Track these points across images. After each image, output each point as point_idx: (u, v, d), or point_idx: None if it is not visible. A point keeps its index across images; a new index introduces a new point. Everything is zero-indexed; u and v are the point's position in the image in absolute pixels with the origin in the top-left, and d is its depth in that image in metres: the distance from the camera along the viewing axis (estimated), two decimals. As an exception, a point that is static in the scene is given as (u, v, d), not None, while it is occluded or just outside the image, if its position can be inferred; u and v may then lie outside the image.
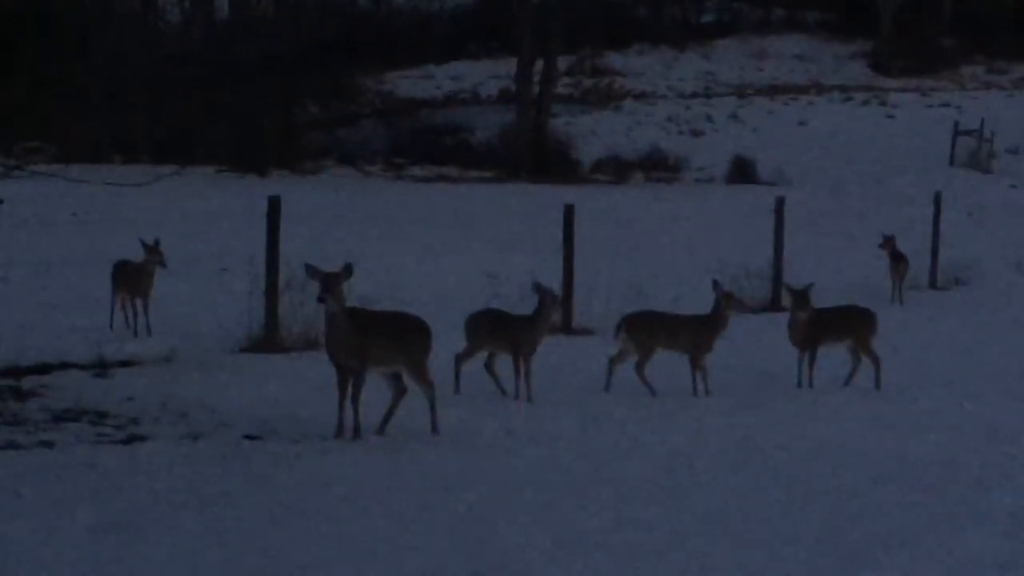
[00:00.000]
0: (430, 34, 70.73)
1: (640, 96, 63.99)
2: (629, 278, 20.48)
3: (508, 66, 55.61)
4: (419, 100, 60.70)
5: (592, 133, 54.01)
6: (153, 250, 16.80)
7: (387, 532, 8.65)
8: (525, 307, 14.17)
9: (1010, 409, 13.65)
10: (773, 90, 65.30)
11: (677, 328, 14.06)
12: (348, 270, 11.05)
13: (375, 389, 11.53)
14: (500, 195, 40.86)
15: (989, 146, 50.87)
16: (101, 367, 13.94)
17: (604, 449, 11.31)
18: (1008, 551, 8.53)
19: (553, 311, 13.81)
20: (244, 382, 13.63)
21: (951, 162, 50.10)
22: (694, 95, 64.72)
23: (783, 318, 15.40)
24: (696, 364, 13.92)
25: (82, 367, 14.02)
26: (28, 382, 13.24)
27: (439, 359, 12.36)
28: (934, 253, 25.29)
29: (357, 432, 11.19)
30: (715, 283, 14.21)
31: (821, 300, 15.31)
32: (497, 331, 13.55)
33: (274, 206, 15.87)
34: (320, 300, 11.13)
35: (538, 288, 13.45)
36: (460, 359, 13.58)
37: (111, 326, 16.82)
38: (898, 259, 22.86)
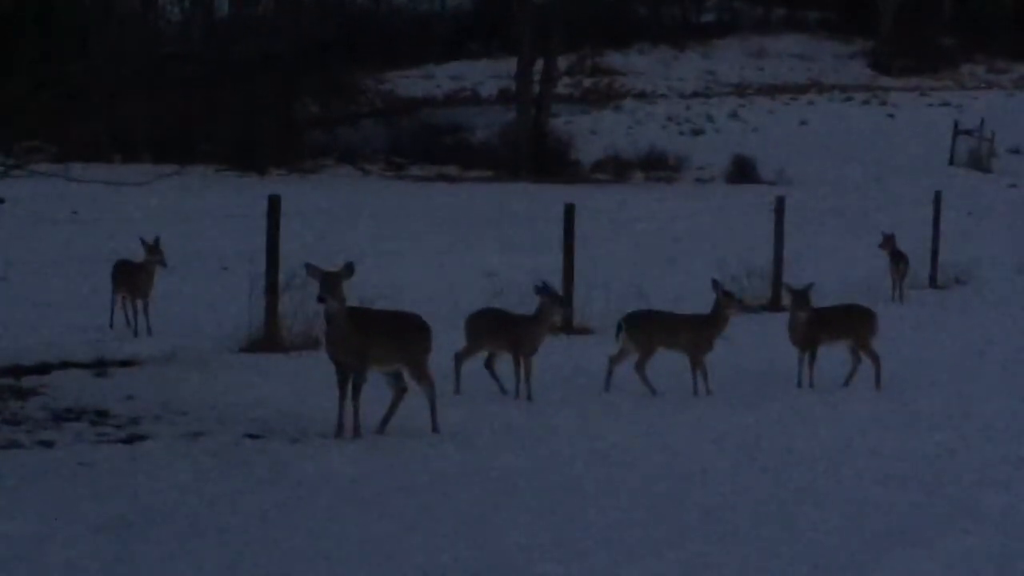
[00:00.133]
0: (430, 33, 70.81)
1: (640, 95, 64.04)
2: (629, 277, 20.49)
3: (508, 66, 55.64)
4: (419, 99, 60.74)
5: (592, 132, 54.06)
6: (153, 249, 16.79)
7: (387, 531, 8.65)
8: (525, 307, 14.17)
9: (1010, 408, 13.65)
10: (773, 89, 65.37)
11: (677, 327, 14.05)
12: (349, 269, 11.05)
13: (375, 388, 11.53)
14: (500, 195, 40.87)
15: (989, 145, 50.90)
16: (101, 366, 13.94)
17: (604, 448, 11.31)
18: (1007, 551, 8.53)
19: (554, 314, 13.78)
20: (244, 381, 13.63)
21: (951, 161, 50.13)
22: (694, 94, 64.77)
23: (783, 318, 15.39)
24: (696, 364, 13.92)
25: (82, 366, 14.02)
26: (28, 381, 13.24)
27: (439, 358, 12.36)
28: (934, 252, 25.28)
29: (357, 431, 11.19)
30: (715, 282, 14.21)
31: (821, 299, 15.31)
32: (497, 331, 13.55)
33: (274, 205, 15.86)
34: (320, 300, 11.13)
35: (540, 290, 13.44)
36: (460, 358, 13.58)
37: (111, 325, 16.82)
38: (898, 258, 22.85)
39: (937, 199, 26.00)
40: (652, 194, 42.79)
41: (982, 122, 51.03)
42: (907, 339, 17.58)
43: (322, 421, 11.50)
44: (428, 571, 7.92)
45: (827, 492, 9.95)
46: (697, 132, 56.20)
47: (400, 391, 11.55)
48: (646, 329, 13.90)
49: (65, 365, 14.11)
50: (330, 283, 10.95)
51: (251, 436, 11.26)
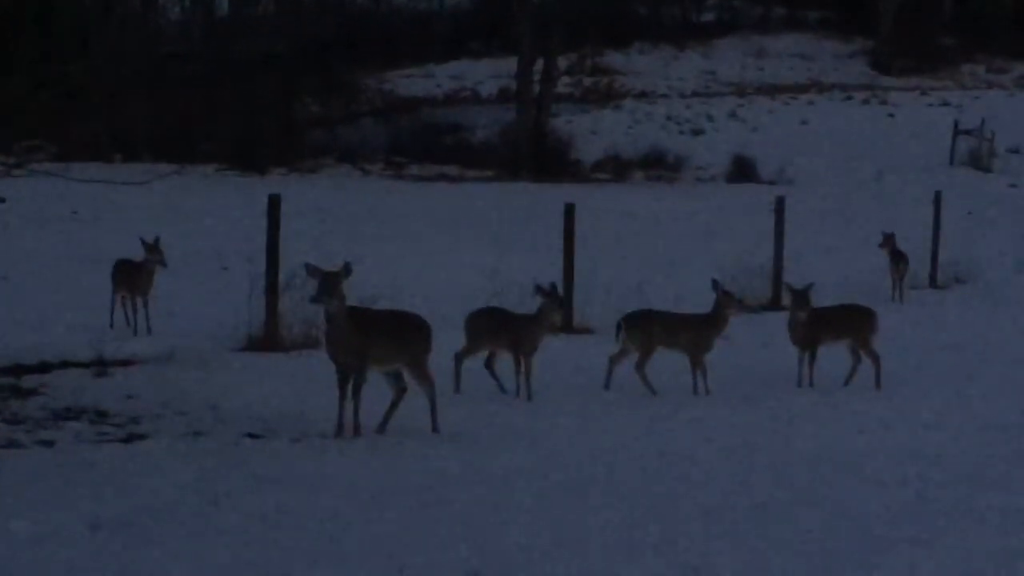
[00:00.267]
0: (430, 33, 70.77)
1: (640, 95, 63.99)
2: (629, 277, 20.49)
3: (508, 65, 55.62)
4: (419, 99, 60.68)
5: (592, 132, 54.02)
6: (153, 249, 16.80)
7: (387, 531, 8.65)
8: (525, 307, 14.17)
9: (1010, 408, 13.65)
10: (773, 89, 65.30)
11: (677, 327, 14.06)
12: (347, 269, 11.05)
13: (375, 388, 11.54)
14: (500, 194, 40.85)
15: (989, 145, 50.86)
16: (101, 366, 13.94)
17: (604, 448, 11.32)
18: (1007, 550, 8.53)
19: (554, 315, 13.76)
20: (244, 381, 13.63)
21: (951, 161, 50.08)
22: (694, 94, 64.72)
23: (783, 317, 15.40)
24: (696, 363, 13.92)
25: (82, 366, 14.02)
26: (28, 381, 13.24)
27: (439, 358, 12.36)
28: (934, 252, 25.29)
29: (357, 431, 11.20)
30: (715, 283, 14.21)
31: (821, 299, 15.31)
32: (497, 330, 13.56)
33: (274, 204, 15.87)
34: (313, 301, 11.19)
35: (540, 291, 13.43)
36: (460, 358, 13.59)
37: (111, 325, 16.82)
38: (898, 258, 22.85)
39: (937, 199, 26.00)
40: (652, 194, 42.77)
41: (982, 122, 50.98)
42: (907, 339, 17.58)
43: (322, 421, 11.51)
44: (428, 570, 7.93)
45: (827, 492, 9.95)
46: (697, 132, 56.16)
47: (400, 391, 11.56)
48: (646, 329, 13.90)
49: (65, 364, 14.12)
50: (328, 284, 10.95)
51: (251, 436, 11.27)
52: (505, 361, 13.65)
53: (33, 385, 13.05)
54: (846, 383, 14.64)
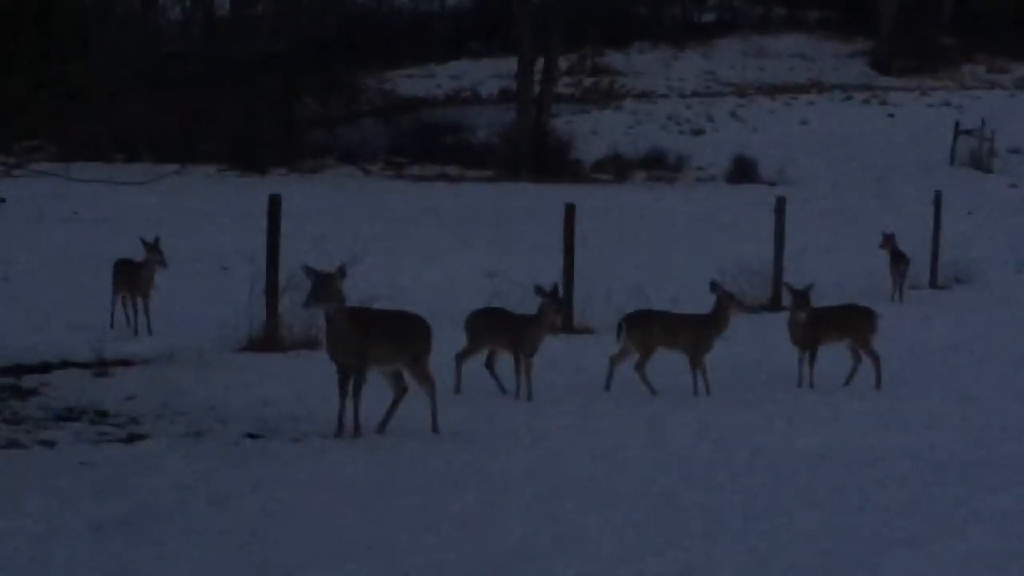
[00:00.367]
0: (431, 33, 70.77)
1: (641, 95, 64.00)
2: (630, 277, 20.48)
3: (509, 65, 55.65)
4: (420, 99, 60.70)
5: (593, 132, 54.04)
6: (153, 249, 16.79)
7: (387, 531, 8.65)
8: (526, 307, 14.17)
9: (1010, 408, 13.66)
10: (773, 89, 65.32)
11: (677, 327, 14.05)
12: (342, 271, 11.05)
13: (376, 388, 11.53)
14: (501, 194, 40.88)
15: (990, 145, 50.88)
16: (101, 366, 13.94)
17: (605, 448, 11.31)
18: (1007, 551, 8.53)
19: (554, 316, 13.71)
20: (244, 381, 13.63)
21: (952, 161, 50.12)
22: (695, 94, 64.73)
23: (784, 317, 15.39)
24: (696, 364, 13.92)
25: (82, 366, 14.02)
26: (28, 381, 13.24)
27: (440, 358, 12.36)
28: (934, 252, 25.28)
29: (358, 431, 11.20)
30: (714, 284, 14.20)
31: (822, 299, 15.31)
32: (498, 330, 13.55)
33: (274, 205, 15.86)
34: (305, 306, 11.26)
35: (540, 291, 13.42)
36: (461, 358, 13.58)
37: (111, 325, 16.81)
38: (898, 258, 22.84)
39: (937, 199, 25.99)
40: (652, 194, 42.80)
41: (982, 122, 51.02)
42: (907, 339, 17.58)
43: (322, 421, 11.51)
44: (428, 571, 7.93)
45: (827, 492, 9.95)
46: (697, 132, 56.18)
47: (400, 391, 11.56)
48: (646, 329, 13.90)
49: (65, 365, 14.12)
50: (319, 288, 10.96)
51: (251, 436, 11.27)
52: (505, 361, 13.64)
53: (33, 385, 13.04)
54: (846, 383, 14.63)
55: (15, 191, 29.37)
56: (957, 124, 51.57)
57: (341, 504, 9.28)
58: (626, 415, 12.74)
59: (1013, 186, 45.97)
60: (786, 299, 16.24)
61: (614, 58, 70.42)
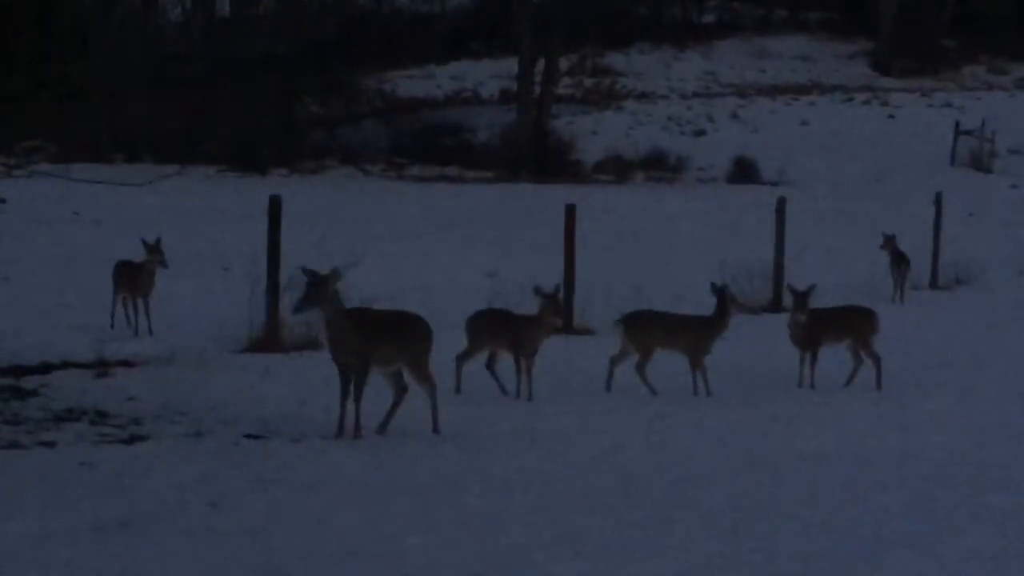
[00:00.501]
0: (431, 33, 70.74)
1: (641, 96, 63.98)
2: (630, 278, 20.49)
3: (509, 66, 55.62)
4: (420, 100, 60.68)
5: (593, 133, 54.02)
6: (154, 250, 16.80)
7: (388, 532, 8.65)
8: (526, 307, 14.16)
9: (1011, 409, 13.66)
10: (774, 90, 65.31)
11: (676, 328, 14.05)
12: (335, 273, 11.05)
13: (376, 388, 11.53)
14: (501, 195, 40.88)
15: (990, 146, 50.88)
16: (102, 367, 13.94)
17: (605, 448, 11.31)
18: (1008, 552, 8.53)
19: (552, 318, 13.66)
20: (245, 382, 13.63)
21: (952, 162, 50.10)
22: (695, 95, 64.72)
23: (784, 318, 15.39)
24: (696, 365, 13.91)
25: (83, 367, 14.02)
26: (29, 381, 13.24)
27: (440, 359, 12.36)
28: (935, 253, 25.27)
29: (358, 432, 11.19)
30: (713, 285, 14.19)
31: (822, 300, 15.31)
32: (498, 330, 13.55)
33: (275, 205, 15.86)
34: (296, 311, 11.29)
35: (539, 293, 13.42)
36: (461, 359, 13.58)
37: (112, 326, 16.82)
38: (899, 259, 22.85)
39: (938, 200, 25.99)
40: (653, 194, 42.79)
41: (983, 123, 51.01)
42: (908, 340, 17.58)
43: (323, 422, 11.51)
44: (429, 571, 7.92)
45: (827, 492, 9.94)
46: (698, 133, 56.18)
47: (400, 391, 11.55)
48: (646, 330, 13.89)
49: (66, 365, 14.12)
50: (310, 293, 10.97)
51: (252, 436, 11.26)
52: (506, 362, 13.64)
53: (34, 386, 13.04)
54: (847, 384, 14.63)
55: (15, 192, 29.35)
56: (957, 125, 51.56)
57: (341, 505, 9.28)
58: (626, 415, 12.73)
59: (1014, 187, 45.95)
60: (787, 300, 16.23)
61: (615, 59, 70.41)
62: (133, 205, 29.16)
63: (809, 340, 14.48)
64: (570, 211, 18.53)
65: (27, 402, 12.34)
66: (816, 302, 14.64)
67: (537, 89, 50.86)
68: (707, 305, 14.32)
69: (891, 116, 58.95)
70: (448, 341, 13.27)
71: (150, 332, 16.60)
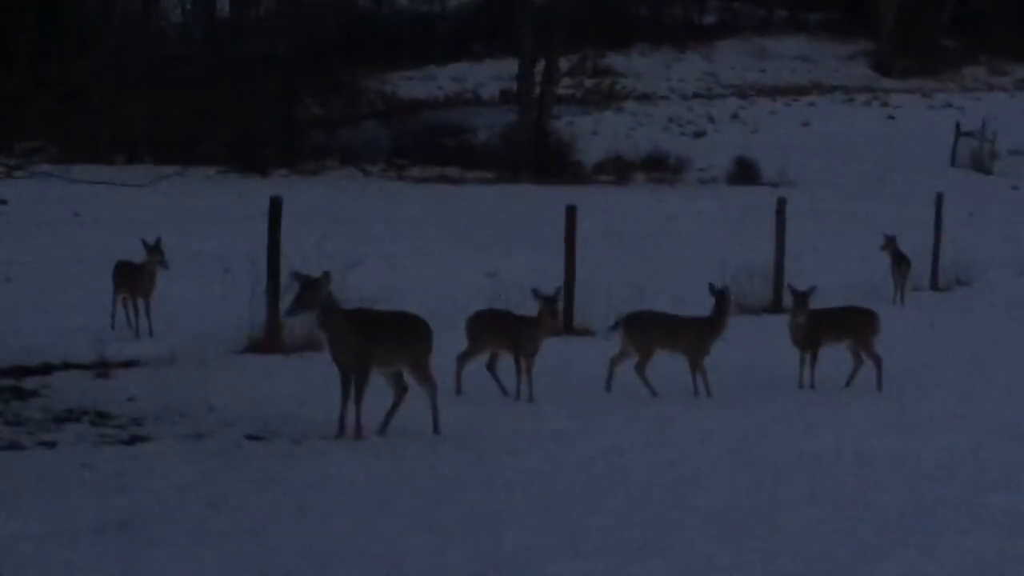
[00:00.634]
0: (432, 34, 70.77)
1: (642, 97, 64.01)
2: (630, 278, 20.47)
3: (510, 67, 55.66)
4: (421, 101, 60.72)
5: (593, 134, 54.03)
6: (154, 250, 16.79)
7: (388, 532, 8.65)
8: (526, 308, 14.15)
9: (1011, 409, 13.66)
10: (775, 91, 65.34)
11: (675, 329, 14.04)
12: (326, 277, 11.06)
13: (376, 389, 11.53)
14: (502, 196, 40.88)
15: (991, 147, 50.88)
16: (103, 367, 13.93)
17: (605, 449, 11.31)
18: (1008, 553, 8.53)
19: (548, 320, 13.62)
20: (246, 382, 13.63)
21: (953, 163, 50.11)
22: (695, 96, 64.76)
23: (784, 319, 15.39)
24: (695, 366, 13.90)
25: (84, 367, 14.01)
26: (30, 382, 13.23)
27: (441, 359, 12.35)
28: (935, 254, 25.25)
29: (359, 432, 11.19)
30: (711, 286, 14.17)
31: (823, 301, 15.30)
32: (499, 331, 13.54)
33: (276, 206, 15.85)
34: (287, 316, 11.31)
35: (537, 295, 13.41)
36: (462, 359, 13.57)
37: (112, 326, 16.81)
38: (899, 260, 22.84)
39: (938, 201, 25.97)
40: (653, 195, 42.79)
41: (983, 124, 51.01)
42: (908, 341, 17.57)
43: (323, 422, 11.50)
44: (430, 572, 7.93)
45: (828, 493, 9.94)
46: (698, 133, 56.19)
47: (401, 392, 11.55)
48: (645, 331, 13.89)
49: (66, 366, 14.11)
50: (302, 298, 10.99)
51: (252, 437, 11.26)
52: (506, 362, 13.63)
53: (34, 387, 13.04)
54: (847, 384, 14.62)
55: (16, 192, 29.34)
56: (958, 126, 51.56)
57: (342, 505, 9.28)
58: (626, 416, 12.73)
59: (1014, 188, 45.96)
60: (787, 301, 16.23)
61: (615, 59, 70.46)
62: (133, 206, 29.15)
63: (810, 341, 14.47)
64: (570, 212, 18.52)
65: (28, 403, 12.33)
66: (817, 303, 14.64)
67: (537, 90, 50.87)
68: (708, 306, 14.29)
69: (891, 117, 58.97)
70: (449, 342, 13.27)
71: (150, 333, 16.60)
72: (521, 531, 8.71)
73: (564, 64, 57.23)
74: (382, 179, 47.15)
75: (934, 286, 25.03)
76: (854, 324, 14.74)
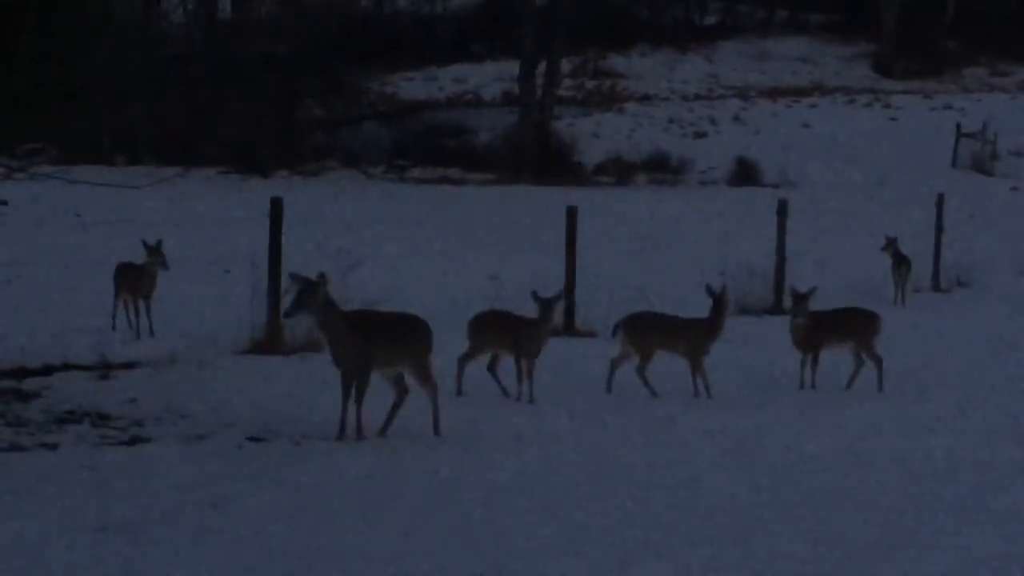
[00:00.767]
0: (433, 35, 70.75)
1: (643, 98, 63.97)
2: (632, 279, 20.48)
3: (511, 68, 55.63)
4: (422, 102, 60.69)
5: (594, 135, 54.00)
6: (155, 251, 16.79)
7: (389, 533, 8.65)
8: (528, 309, 14.15)
9: (1012, 410, 13.65)
10: (776, 92, 65.27)
11: (674, 331, 14.03)
12: (323, 279, 11.05)
13: (377, 390, 11.52)
14: (503, 197, 40.86)
15: (992, 148, 50.85)
16: (104, 369, 13.93)
17: (606, 450, 11.31)
18: (1009, 553, 8.52)
19: (545, 322, 13.58)
20: (247, 383, 13.63)
21: (954, 164, 50.07)
22: (697, 97, 64.71)
23: (785, 320, 15.39)
24: (695, 367, 13.90)
25: (85, 368, 14.01)
26: (31, 384, 13.23)
27: (442, 361, 12.35)
28: (936, 255, 25.24)
29: (360, 434, 11.19)
30: (708, 288, 14.17)
31: (824, 303, 15.30)
32: (501, 332, 13.54)
33: (276, 207, 15.85)
34: (287, 316, 11.31)
35: (536, 297, 13.40)
36: (463, 360, 13.57)
37: (114, 328, 16.81)
38: (900, 261, 22.83)
39: (940, 202, 25.96)
40: (655, 196, 42.77)
41: (984, 125, 50.98)
42: (909, 342, 17.56)
43: (324, 423, 11.50)
44: (430, 572, 7.92)
45: (828, 494, 9.95)
46: (700, 134, 56.16)
47: (402, 393, 11.55)
48: (645, 332, 13.88)
49: (67, 367, 14.10)
50: (300, 299, 10.99)
51: (253, 439, 11.26)
52: (507, 363, 13.62)
53: (35, 388, 13.04)
54: (848, 386, 14.61)
55: (17, 193, 29.36)
56: (959, 127, 51.53)
57: (343, 506, 9.29)
58: (627, 417, 12.73)
59: (1015, 189, 45.92)
60: (788, 302, 16.22)
61: (616, 61, 70.42)
62: (134, 207, 29.13)
63: (811, 342, 14.46)
64: (572, 213, 18.52)
65: (29, 404, 12.34)
66: (818, 304, 14.63)
67: (539, 91, 50.87)
68: (709, 307, 14.28)
69: (893, 118, 58.92)
70: (450, 343, 13.27)
71: (151, 334, 16.60)
72: (522, 531, 8.71)
73: (565, 65, 57.22)
74: (383, 180, 47.14)
75: (935, 287, 25.01)
76: (856, 326, 14.73)
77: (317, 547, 8.32)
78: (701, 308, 14.31)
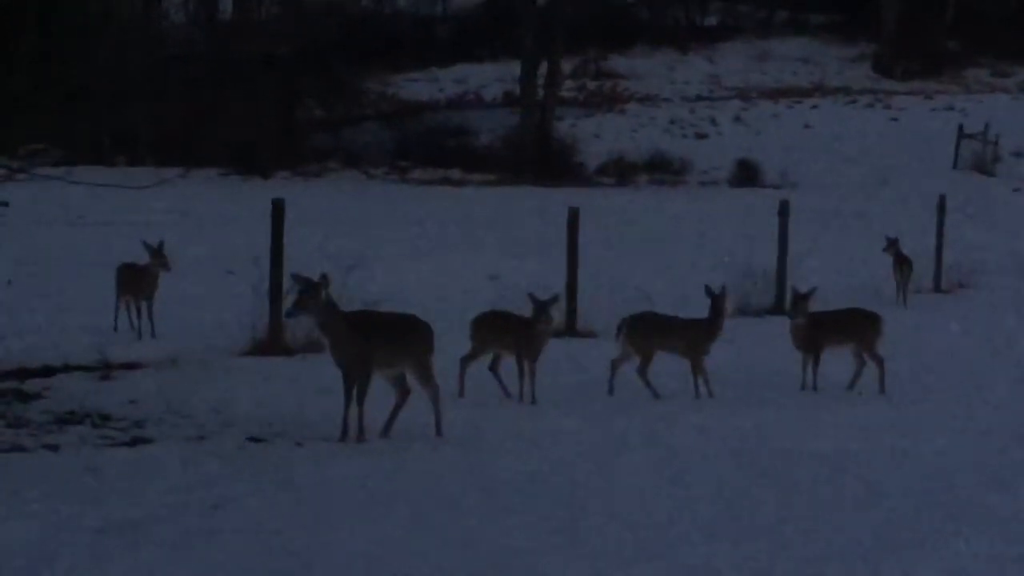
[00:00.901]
0: (434, 36, 70.79)
1: (644, 99, 64.01)
2: (633, 280, 20.48)
3: (512, 69, 55.67)
4: (423, 103, 60.73)
5: (596, 136, 54.04)
6: (157, 252, 16.79)
7: (390, 533, 8.66)
8: (528, 310, 14.14)
9: (1012, 411, 13.65)
10: (777, 93, 65.33)
11: (674, 331, 14.03)
12: (324, 279, 11.06)
13: (379, 391, 11.53)
14: (504, 198, 40.88)
15: (993, 149, 50.84)
16: (105, 369, 13.93)
17: (607, 451, 11.31)
18: (1009, 553, 8.52)
19: (540, 324, 13.55)
20: (248, 384, 13.63)
21: (955, 165, 50.06)
22: (698, 98, 64.78)
23: (787, 321, 15.37)
24: (696, 368, 13.90)
25: (86, 369, 14.01)
26: (32, 384, 13.24)
27: (443, 362, 12.35)
28: (938, 256, 25.22)
29: (361, 434, 11.19)
30: (707, 289, 14.17)
31: (825, 303, 15.30)
32: (502, 333, 13.53)
33: (278, 208, 15.85)
34: (288, 315, 11.32)
35: (532, 299, 13.40)
36: (465, 361, 13.57)
37: (115, 328, 16.82)
38: (902, 262, 22.83)
39: (941, 203, 25.96)
40: (656, 197, 42.79)
41: (986, 126, 50.97)
42: (910, 343, 17.56)
43: (326, 424, 11.51)
44: (431, 572, 7.93)
45: (829, 495, 9.95)
46: (701, 135, 56.19)
47: (403, 394, 11.56)
48: (645, 333, 13.88)
49: (69, 368, 14.11)
50: (302, 299, 11.00)
51: (255, 439, 11.26)
52: (508, 364, 13.62)
53: (37, 389, 13.04)
54: (850, 387, 14.61)
55: (18, 194, 29.38)
56: (961, 128, 51.52)
57: (344, 507, 9.29)
58: (628, 418, 12.73)
59: (1017, 190, 45.91)
60: (789, 303, 16.22)
61: (617, 62, 70.49)
62: (135, 208, 29.16)
63: (812, 343, 14.46)
64: (573, 214, 18.52)
65: (30, 405, 12.34)
66: (819, 305, 14.63)
67: (540, 92, 50.89)
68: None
69: (894, 119, 58.94)
70: (451, 344, 13.27)
71: (153, 335, 16.60)
72: (522, 532, 8.72)
73: (566, 66, 57.27)
74: (384, 181, 47.17)
75: (936, 288, 25.00)
76: (857, 327, 14.72)
77: (317, 547, 8.32)
78: (702, 309, 14.31)
